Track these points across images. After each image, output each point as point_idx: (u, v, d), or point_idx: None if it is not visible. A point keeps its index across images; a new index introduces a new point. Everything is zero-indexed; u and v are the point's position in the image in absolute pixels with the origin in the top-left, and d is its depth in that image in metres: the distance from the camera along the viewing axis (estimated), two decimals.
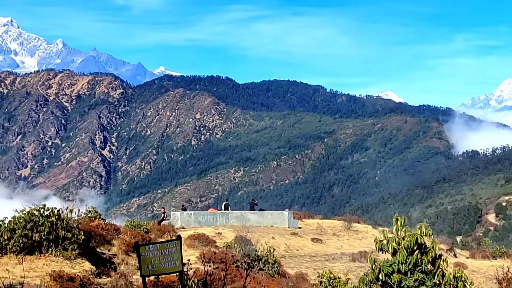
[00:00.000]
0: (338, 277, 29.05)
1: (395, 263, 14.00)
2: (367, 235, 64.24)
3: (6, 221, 27.77)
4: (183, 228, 58.23)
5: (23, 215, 27.74)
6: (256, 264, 35.18)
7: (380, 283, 14.30)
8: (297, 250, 53.89)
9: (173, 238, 17.23)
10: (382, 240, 14.49)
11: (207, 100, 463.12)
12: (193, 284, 21.80)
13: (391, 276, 13.96)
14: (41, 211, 28.15)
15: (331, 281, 28.40)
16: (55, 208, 28.64)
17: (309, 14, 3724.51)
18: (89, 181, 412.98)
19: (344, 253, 52.90)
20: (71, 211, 29.31)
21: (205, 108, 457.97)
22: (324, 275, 28.98)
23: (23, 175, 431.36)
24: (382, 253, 14.72)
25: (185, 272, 17.93)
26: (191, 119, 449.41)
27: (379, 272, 14.21)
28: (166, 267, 16.36)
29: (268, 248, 37.92)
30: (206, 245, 44.54)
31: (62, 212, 28.68)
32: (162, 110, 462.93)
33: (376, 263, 14.48)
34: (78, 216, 31.86)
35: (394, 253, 14.17)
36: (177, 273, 17.00)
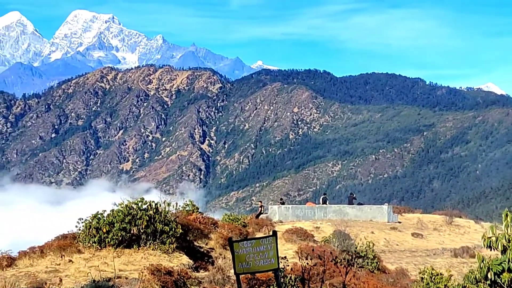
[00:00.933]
0: (440, 274, 28.01)
1: (505, 261, 13.09)
2: (469, 230, 62.70)
3: (105, 215, 27.96)
4: (281, 222, 57.91)
5: (121, 209, 27.87)
6: (355, 260, 34.39)
7: (488, 282, 13.43)
8: (397, 245, 52.93)
9: (269, 233, 16.51)
10: (490, 237, 13.57)
11: (305, 93, 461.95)
12: (290, 281, 21.29)
13: (501, 275, 13.08)
14: (139, 204, 28.24)
15: (433, 278, 27.40)
16: (153, 201, 28.68)
17: (408, 6, 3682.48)
18: (189, 174, 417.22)
19: (445, 249, 51.72)
20: (168, 204, 29.29)
21: (303, 101, 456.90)
22: (426, 271, 27.98)
23: (125, 169, 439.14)
24: (490, 250, 13.81)
25: (282, 269, 17.22)
26: (288, 113, 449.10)
27: (488, 271, 13.32)
28: (261, 264, 15.73)
29: (367, 243, 37.16)
30: (304, 240, 44.02)
31: (160, 205, 28.70)
32: (260, 104, 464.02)
33: (484, 261, 13.58)
34: (176, 209, 31.86)
35: (504, 251, 13.25)
36: (273, 271, 16.31)
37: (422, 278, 27.79)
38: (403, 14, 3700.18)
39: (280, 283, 15.60)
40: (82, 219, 28.26)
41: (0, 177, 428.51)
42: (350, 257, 29.12)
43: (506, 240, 13.16)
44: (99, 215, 27.87)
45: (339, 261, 34.33)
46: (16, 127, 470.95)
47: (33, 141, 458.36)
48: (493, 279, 13.20)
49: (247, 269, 15.90)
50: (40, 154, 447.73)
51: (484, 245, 13.66)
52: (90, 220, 27.79)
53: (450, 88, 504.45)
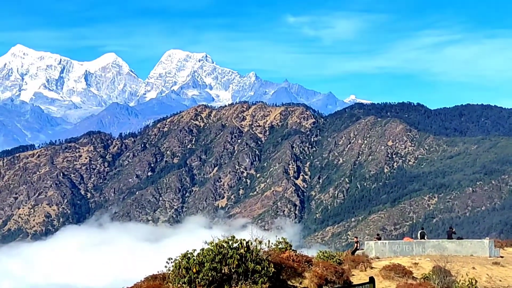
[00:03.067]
0: None
1: None
2: None
3: (195, 254, 27.33)
4: (378, 258, 56.44)
5: (212, 247, 27.22)
6: None
7: None
8: (500, 281, 50.79)
9: (365, 281, 14.70)
10: None
11: (399, 127, 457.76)
12: None
13: None
14: (230, 243, 27.54)
15: None
16: (244, 239, 27.88)
17: (504, 36, 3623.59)
18: (284, 210, 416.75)
19: None
20: (260, 242, 28.50)
21: (397, 135, 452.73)
22: None
23: (220, 206, 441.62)
24: None
25: None
26: (383, 147, 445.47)
27: None
28: None
29: (470, 279, 35.51)
30: (403, 277, 42.61)
31: (251, 243, 27.94)
32: (354, 138, 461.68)
33: None
34: (268, 247, 31.02)
35: None
36: None
37: None
38: (498, 44, 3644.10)
39: None
40: (172, 259, 27.75)
41: (100, 216, 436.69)
42: None
43: None
44: (189, 255, 27.30)
45: None
46: (113, 166, 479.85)
47: (130, 180, 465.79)
48: None
49: None
50: (137, 193, 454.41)
51: None
52: (180, 260, 27.24)
53: None
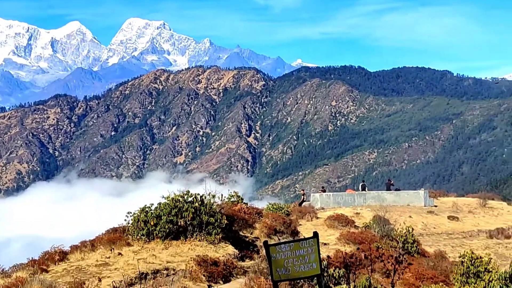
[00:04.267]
0: (480, 257, 26.19)
1: None
2: (503, 212, 60.76)
3: (153, 208, 26.99)
4: (323, 209, 56.56)
5: (168, 202, 26.88)
6: (396, 245, 32.78)
7: None
8: (434, 228, 51.33)
9: (310, 236, 13.84)
10: None
11: (342, 88, 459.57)
12: (334, 272, 19.69)
13: None
14: (185, 197, 27.23)
15: (473, 261, 25.58)
16: (198, 194, 27.55)
17: (437, 4, 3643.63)
18: (237, 165, 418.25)
19: (481, 230, 50.08)
20: (213, 196, 28.18)
21: (340, 95, 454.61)
22: (466, 255, 26.15)
23: (179, 162, 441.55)
24: None
25: (324, 273, 14.86)
26: (327, 106, 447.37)
27: None
28: (301, 270, 12.76)
29: (407, 227, 35.47)
30: (345, 226, 42.71)
31: (205, 198, 27.63)
32: (301, 99, 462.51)
33: None
34: (221, 201, 30.75)
35: None
36: (315, 277, 13.68)
37: (462, 261, 26.01)
38: (432, 12, 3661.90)
39: None
40: (131, 212, 27.34)
41: (67, 173, 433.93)
42: (398, 253, 27.17)
43: None
44: (146, 209, 26.94)
45: (380, 245, 32.81)
46: (79, 127, 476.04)
47: (95, 139, 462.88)
48: None
49: (286, 276, 13.04)
50: (102, 151, 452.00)
51: None
52: (138, 214, 26.86)
53: (476, 79, 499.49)
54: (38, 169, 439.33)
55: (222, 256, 25.24)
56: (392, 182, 69.78)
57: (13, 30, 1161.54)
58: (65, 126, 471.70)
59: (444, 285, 24.96)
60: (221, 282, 23.25)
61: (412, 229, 36.20)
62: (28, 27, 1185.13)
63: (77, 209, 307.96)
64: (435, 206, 60.84)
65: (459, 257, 27.42)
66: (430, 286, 24.54)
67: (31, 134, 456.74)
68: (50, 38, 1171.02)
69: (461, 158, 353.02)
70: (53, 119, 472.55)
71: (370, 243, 32.24)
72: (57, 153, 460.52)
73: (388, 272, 25.79)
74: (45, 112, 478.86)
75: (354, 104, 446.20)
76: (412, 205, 59.34)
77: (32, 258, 25.81)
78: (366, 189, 66.71)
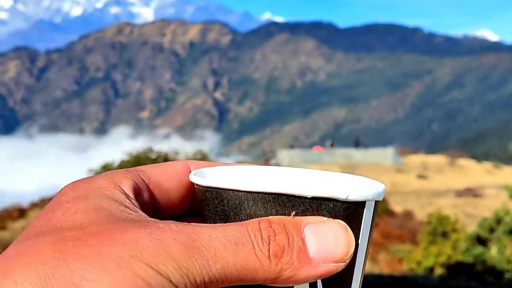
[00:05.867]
0: (447, 216, 26.30)
1: None
2: (471, 171, 61.08)
3: (115, 165, 26.54)
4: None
5: (130, 159, 26.42)
6: None
7: None
8: (402, 186, 51.37)
9: None
10: None
11: (311, 44, 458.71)
12: None
13: None
14: (149, 154, 26.76)
15: (440, 220, 25.68)
16: (161, 151, 27.19)
17: None
18: (203, 121, 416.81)
19: (449, 189, 50.11)
20: (177, 153, 27.81)
21: (309, 51, 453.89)
22: (433, 214, 26.24)
23: (142, 118, 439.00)
24: None
25: None
26: (296, 62, 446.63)
27: None
28: None
29: None
30: None
31: (169, 154, 27.22)
32: (269, 54, 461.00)
33: (508, 214, 11.86)
34: (186, 158, 30.36)
35: None
36: None
37: (429, 221, 26.13)
38: None
39: None
40: (92, 170, 26.85)
41: (28, 128, 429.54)
42: None
43: None
44: (108, 166, 26.41)
45: None
46: (40, 80, 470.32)
47: (56, 93, 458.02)
48: None
49: None
50: (64, 105, 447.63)
51: (508, 196, 11.91)
52: (100, 171, 26.27)
53: (448, 36, 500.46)
54: None
55: None
56: (360, 139, 69.94)
57: None
58: (25, 79, 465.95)
59: (411, 244, 25.08)
60: None
61: None
62: None
63: (39, 165, 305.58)
64: (403, 164, 61.06)
65: (427, 216, 27.56)
66: (397, 245, 24.67)
67: None
68: None
69: (431, 116, 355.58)
70: (13, 72, 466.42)
71: None
72: (17, 107, 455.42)
73: None
74: (4, 65, 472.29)
75: (324, 60, 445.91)
76: (380, 164, 59.49)
77: None
78: (334, 147, 66.76)
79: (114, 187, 0.50)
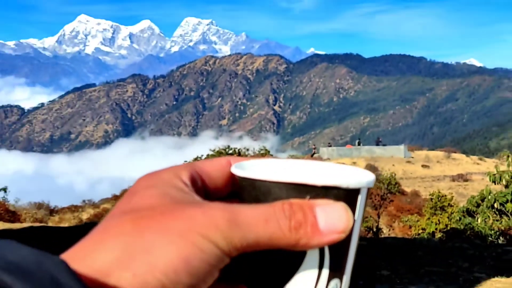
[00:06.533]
0: (445, 195, 25.85)
1: (508, 193, 11.04)
2: (462, 162, 59.96)
3: (203, 158, 26.60)
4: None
5: (214, 153, 26.60)
6: (382, 186, 32.53)
7: (494, 210, 11.42)
8: (411, 173, 50.76)
9: None
10: (495, 174, 11.52)
11: (343, 70, 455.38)
12: None
13: (505, 205, 11.05)
14: (227, 150, 26.91)
15: (439, 198, 25.27)
16: (236, 148, 27.30)
17: (415, 7, 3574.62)
18: (266, 127, 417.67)
19: (446, 175, 49.36)
20: (247, 149, 27.91)
21: (342, 75, 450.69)
22: (434, 194, 25.84)
23: (223, 124, 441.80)
24: (495, 184, 11.75)
25: None
26: (332, 83, 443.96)
27: (494, 201, 11.31)
28: None
29: (390, 173, 35.13)
30: None
31: (241, 150, 27.33)
32: (313, 78, 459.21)
33: (491, 194, 11.56)
34: (253, 153, 30.45)
35: (507, 185, 11.21)
36: None
37: (431, 198, 25.72)
38: (412, 12, 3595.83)
39: None
40: (187, 161, 26.91)
41: (141, 132, 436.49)
42: (383, 192, 26.97)
43: (509, 177, 11.09)
44: (198, 158, 26.53)
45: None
46: (149, 98, 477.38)
47: (161, 107, 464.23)
48: (498, 208, 11.19)
49: None
50: (166, 116, 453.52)
51: (490, 180, 11.61)
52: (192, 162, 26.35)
53: (444, 63, 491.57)
54: (120, 129, 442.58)
55: None
56: (380, 139, 69.17)
57: (101, 26, 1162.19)
58: (139, 97, 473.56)
59: (418, 216, 24.77)
60: None
61: (394, 174, 35.85)
62: (112, 24, 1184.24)
63: (149, 159, 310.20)
64: (412, 157, 60.19)
65: (429, 195, 27.12)
66: (407, 216, 24.35)
67: (114, 103, 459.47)
68: (128, 32, 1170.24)
69: (431, 121, 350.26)
70: (131, 92, 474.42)
71: None
72: (133, 117, 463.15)
73: (375, 206, 25.62)
74: (124, 87, 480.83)
75: (353, 82, 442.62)
76: (395, 157, 58.76)
77: (114, 194, 25.94)
78: (361, 145, 66.18)
79: (176, 178, 0.52)
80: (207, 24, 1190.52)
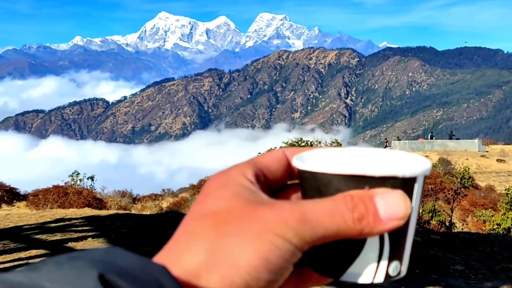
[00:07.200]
0: None
1: None
2: None
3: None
4: None
5: (286, 146, 26.59)
6: (455, 180, 31.69)
7: None
8: (485, 168, 49.10)
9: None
10: None
11: (416, 63, 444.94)
12: None
13: None
14: (299, 143, 26.91)
15: None
16: (308, 140, 27.25)
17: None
18: (338, 120, 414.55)
19: None
20: (319, 142, 27.80)
21: (415, 68, 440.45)
22: (510, 188, 24.95)
23: (295, 117, 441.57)
24: None
25: None
26: (405, 77, 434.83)
27: None
28: None
29: (464, 167, 34.15)
30: None
31: (314, 143, 27.23)
32: (385, 71, 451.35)
33: None
34: (325, 145, 30.24)
35: None
36: None
37: (507, 193, 24.84)
38: (486, 3, 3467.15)
39: None
40: (260, 153, 27.07)
41: (217, 124, 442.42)
42: (457, 186, 26.26)
43: None
44: (272, 150, 26.60)
45: (443, 181, 31.77)
46: (225, 91, 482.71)
47: (236, 100, 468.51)
48: None
49: None
50: (241, 109, 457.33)
51: None
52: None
53: None
54: (197, 121, 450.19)
55: None
56: (453, 133, 67.32)
57: (180, 23, 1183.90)
58: (215, 91, 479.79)
59: (492, 211, 24.04)
60: None
61: (468, 168, 34.86)
62: (190, 21, 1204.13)
63: (224, 150, 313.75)
64: (487, 151, 58.26)
65: (505, 190, 26.22)
66: (481, 211, 23.68)
67: (192, 97, 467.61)
68: (205, 28, 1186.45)
69: (508, 115, 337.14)
70: (207, 86, 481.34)
71: (435, 178, 31.31)
72: (210, 110, 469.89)
73: (448, 200, 25.00)
74: (201, 81, 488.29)
75: (426, 75, 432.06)
76: (468, 151, 57.08)
77: (192, 183, 26.44)
78: (433, 138, 64.66)
79: (243, 176, 0.55)
80: (281, 20, 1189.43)
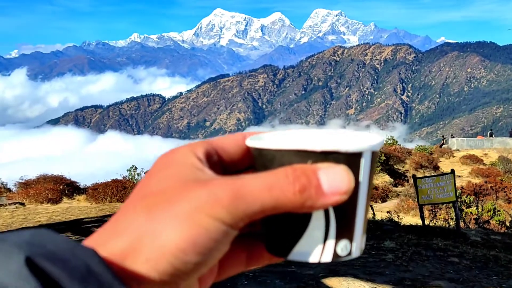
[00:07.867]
0: None
1: None
2: None
3: None
4: (458, 150, 53.90)
5: None
6: None
7: None
8: None
9: (448, 172, 13.37)
10: None
11: (476, 58, 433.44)
12: (466, 198, 18.81)
13: None
14: None
15: None
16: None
17: None
18: (394, 116, 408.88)
19: None
20: None
21: (474, 64, 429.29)
22: None
23: (350, 113, 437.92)
24: None
25: (458, 200, 14.33)
26: (463, 72, 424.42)
27: None
28: (441, 197, 12.75)
29: None
30: (476, 163, 40.48)
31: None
32: (443, 67, 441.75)
33: None
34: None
35: None
36: (451, 203, 13.42)
37: None
38: None
39: (458, 212, 12.94)
40: None
41: (271, 121, 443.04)
42: None
43: None
44: None
45: (503, 179, 30.89)
46: (279, 87, 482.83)
47: (290, 96, 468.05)
48: None
49: (429, 201, 13.02)
50: (295, 105, 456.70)
51: None
52: None
53: None
54: (251, 117, 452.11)
55: (381, 183, 24.78)
56: None
57: (235, 19, 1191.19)
58: (270, 87, 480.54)
59: None
60: (379, 201, 22.94)
61: None
62: (245, 17, 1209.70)
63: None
64: None
65: None
66: None
67: (247, 93, 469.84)
68: (260, 24, 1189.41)
69: None
70: (262, 82, 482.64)
71: (495, 177, 30.53)
72: (264, 106, 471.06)
73: (509, 199, 24.33)
74: (256, 77, 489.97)
75: (486, 71, 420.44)
76: None
77: None
78: (493, 136, 62.90)
79: (191, 154, 0.54)
80: (336, 15, 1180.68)
